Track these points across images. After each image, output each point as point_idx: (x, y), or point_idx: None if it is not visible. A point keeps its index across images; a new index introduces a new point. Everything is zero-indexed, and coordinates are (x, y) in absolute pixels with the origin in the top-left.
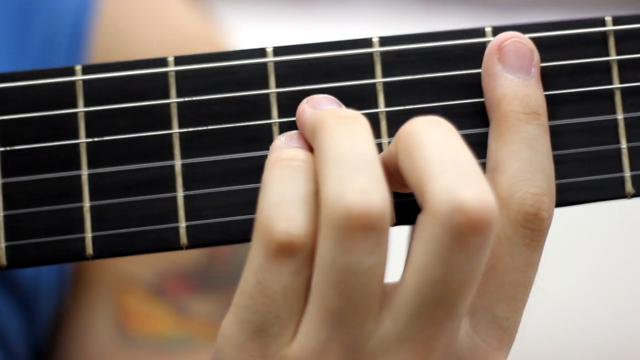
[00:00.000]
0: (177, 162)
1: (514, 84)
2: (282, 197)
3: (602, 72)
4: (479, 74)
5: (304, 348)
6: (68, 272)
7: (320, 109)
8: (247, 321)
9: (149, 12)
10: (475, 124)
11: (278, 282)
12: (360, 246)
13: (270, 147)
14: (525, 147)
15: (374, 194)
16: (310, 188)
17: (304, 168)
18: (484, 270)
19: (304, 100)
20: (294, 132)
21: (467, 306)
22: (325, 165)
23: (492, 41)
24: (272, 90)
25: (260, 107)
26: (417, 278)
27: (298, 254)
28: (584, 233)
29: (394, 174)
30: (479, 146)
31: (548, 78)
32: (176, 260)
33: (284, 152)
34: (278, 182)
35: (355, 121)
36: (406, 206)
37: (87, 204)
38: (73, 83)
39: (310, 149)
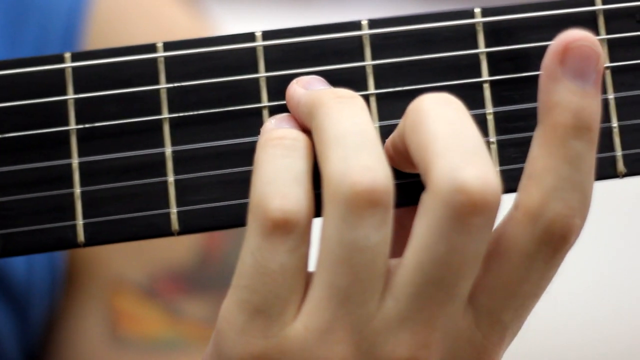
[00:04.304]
0: (168, 148)
1: (571, 93)
2: (275, 175)
3: None
4: (468, 55)
5: (308, 328)
6: (61, 273)
7: (312, 89)
8: (246, 301)
9: (142, 11)
10: (465, 104)
11: (275, 260)
12: (366, 222)
13: (261, 130)
14: (567, 165)
15: (378, 171)
16: (302, 165)
17: (296, 146)
18: (503, 282)
19: (293, 81)
20: (284, 114)
21: (468, 287)
22: (327, 144)
23: (559, 39)
24: (262, 74)
25: (250, 91)
26: (418, 257)
27: (294, 231)
28: (585, 231)
29: (403, 152)
30: None
31: (538, 59)
32: (168, 261)
33: (275, 132)
34: (270, 160)
35: (354, 101)
36: (404, 188)
37: (77, 190)
38: (62, 70)
39: (302, 130)
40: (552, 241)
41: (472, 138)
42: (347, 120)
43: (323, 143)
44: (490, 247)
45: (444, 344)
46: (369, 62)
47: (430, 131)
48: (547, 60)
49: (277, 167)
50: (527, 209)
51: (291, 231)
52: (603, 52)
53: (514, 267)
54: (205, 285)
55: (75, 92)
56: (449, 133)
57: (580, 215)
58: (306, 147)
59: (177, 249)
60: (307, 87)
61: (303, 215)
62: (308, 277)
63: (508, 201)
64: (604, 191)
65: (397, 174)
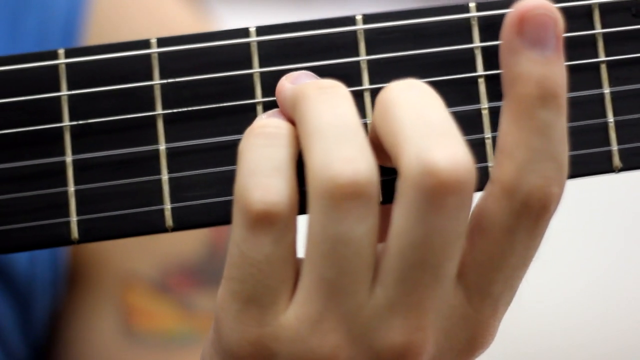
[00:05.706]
0: (161, 144)
1: (532, 63)
2: (257, 165)
3: (587, 46)
4: (463, 50)
5: (299, 318)
6: (62, 266)
7: (300, 83)
8: (238, 292)
9: (142, 9)
10: (459, 99)
11: (260, 251)
12: (349, 215)
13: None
14: (537, 136)
15: (360, 162)
16: (284, 153)
17: (278, 134)
18: (488, 257)
19: (283, 78)
20: (276, 110)
21: (454, 266)
22: (309, 137)
23: (514, 10)
24: (256, 70)
25: (244, 87)
26: (398, 243)
27: (277, 222)
28: (580, 230)
29: (379, 146)
30: (465, 120)
31: None
32: (178, 256)
33: (258, 121)
34: (252, 151)
35: (336, 90)
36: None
37: (71, 187)
38: (56, 66)
39: (292, 124)
40: (532, 213)
41: (437, 119)
42: (327, 111)
43: (305, 136)
44: (472, 222)
45: (438, 324)
46: (363, 57)
47: (395, 118)
48: (505, 32)
49: (259, 157)
50: (502, 184)
51: (274, 222)
52: (561, 16)
53: (497, 241)
54: (216, 278)
55: (69, 89)
56: (413, 117)
57: (557, 183)
58: (289, 135)
59: (187, 243)
60: (295, 83)
61: (285, 205)
62: (297, 264)
63: None
64: (600, 187)
65: (384, 170)
